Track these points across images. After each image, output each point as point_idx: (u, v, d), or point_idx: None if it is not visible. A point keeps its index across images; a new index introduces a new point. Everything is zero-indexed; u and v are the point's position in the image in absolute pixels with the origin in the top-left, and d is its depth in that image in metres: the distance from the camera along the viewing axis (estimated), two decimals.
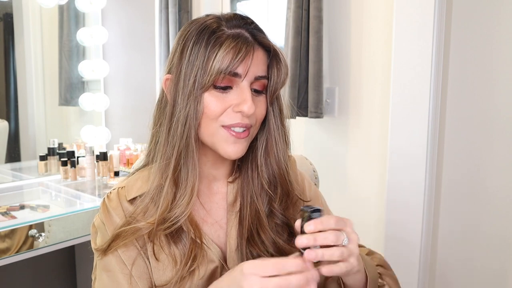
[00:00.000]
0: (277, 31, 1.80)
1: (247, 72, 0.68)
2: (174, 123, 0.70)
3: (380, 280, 0.74)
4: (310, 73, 1.55)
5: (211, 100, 0.68)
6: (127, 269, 0.72)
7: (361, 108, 1.56)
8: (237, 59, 0.66)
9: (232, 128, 0.70)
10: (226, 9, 2.00)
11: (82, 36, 2.12)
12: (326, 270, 0.60)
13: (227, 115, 0.69)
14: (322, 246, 0.60)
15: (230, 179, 0.80)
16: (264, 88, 0.73)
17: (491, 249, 1.36)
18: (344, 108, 1.61)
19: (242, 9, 2.05)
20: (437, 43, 1.34)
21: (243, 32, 0.70)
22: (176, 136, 0.70)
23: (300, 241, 0.60)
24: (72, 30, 2.10)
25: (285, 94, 1.58)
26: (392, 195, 1.46)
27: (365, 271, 0.69)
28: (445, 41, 1.36)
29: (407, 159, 1.41)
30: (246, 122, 0.69)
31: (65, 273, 2.08)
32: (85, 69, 2.14)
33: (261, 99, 0.72)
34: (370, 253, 0.82)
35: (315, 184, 1.04)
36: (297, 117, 1.61)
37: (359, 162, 1.59)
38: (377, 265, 0.77)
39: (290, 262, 0.58)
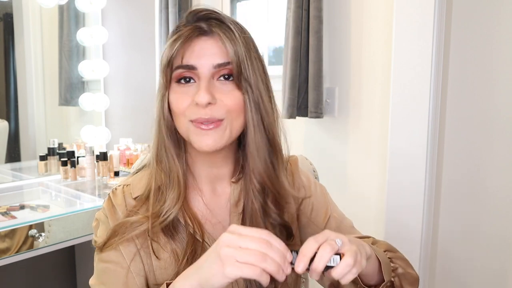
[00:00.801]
0: (277, 31, 1.80)
1: (195, 61, 0.68)
2: (156, 122, 0.73)
3: (392, 264, 0.74)
4: (310, 73, 1.55)
5: (175, 97, 0.70)
6: (126, 263, 0.72)
7: (361, 108, 1.56)
8: (174, 50, 0.68)
9: (199, 123, 0.69)
10: (226, 9, 2.01)
11: (82, 36, 2.12)
12: (345, 280, 0.59)
13: (191, 110, 0.69)
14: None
15: (234, 179, 0.79)
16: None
17: (491, 249, 1.36)
18: (344, 108, 1.61)
19: (242, 9, 2.05)
20: (437, 43, 1.34)
21: (198, 25, 0.69)
22: (156, 134, 0.74)
23: (313, 277, 0.58)
24: (72, 30, 2.10)
25: (284, 94, 1.58)
26: (392, 195, 1.46)
27: (377, 257, 0.69)
28: (445, 41, 1.36)
29: (407, 159, 1.41)
30: (208, 116, 0.67)
31: (65, 273, 2.08)
32: (85, 69, 2.14)
33: (231, 88, 0.69)
34: (375, 242, 0.82)
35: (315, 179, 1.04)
36: (297, 117, 1.61)
37: (359, 162, 1.59)
38: (384, 251, 0.76)
39: (275, 247, 0.57)
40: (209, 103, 0.67)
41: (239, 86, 0.70)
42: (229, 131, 0.70)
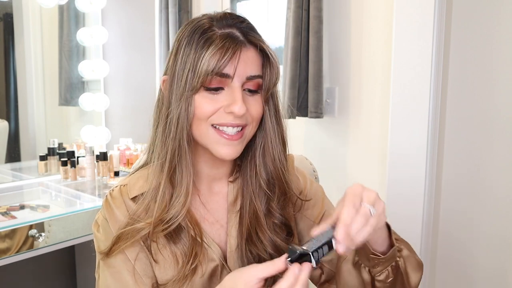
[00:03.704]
0: (277, 31, 1.80)
1: (235, 72, 0.67)
2: (168, 124, 0.70)
3: (397, 244, 0.72)
4: (310, 73, 1.55)
5: (202, 102, 0.68)
6: (131, 264, 0.72)
7: (361, 108, 1.56)
8: (223, 60, 0.66)
9: (223, 129, 0.69)
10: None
11: (82, 36, 2.12)
12: (360, 239, 0.59)
13: (218, 116, 0.69)
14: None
15: (231, 178, 0.80)
16: (259, 87, 0.72)
17: (491, 249, 1.36)
18: (344, 108, 1.61)
19: (242, 9, 2.05)
20: (437, 43, 1.34)
21: (233, 32, 0.69)
22: (170, 137, 0.70)
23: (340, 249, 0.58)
24: (72, 30, 2.10)
25: (284, 94, 1.58)
26: (392, 195, 1.46)
27: (387, 224, 0.68)
28: (445, 41, 1.36)
29: (407, 159, 1.41)
30: (238, 122, 0.69)
31: (65, 273, 2.08)
32: (85, 69, 2.14)
33: (257, 98, 0.72)
34: None
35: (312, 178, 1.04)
36: (297, 117, 1.61)
37: (359, 162, 1.59)
38: None
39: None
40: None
41: (264, 98, 0.73)
42: (246, 140, 0.73)
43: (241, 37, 0.69)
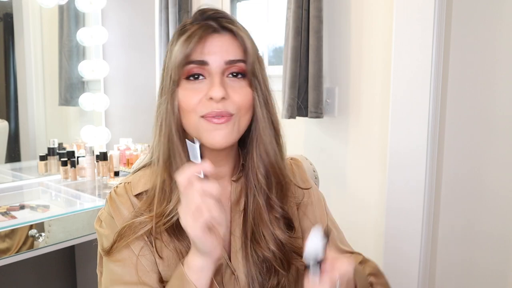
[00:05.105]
0: (277, 31, 1.80)
1: (205, 55, 0.69)
2: (159, 121, 0.73)
3: None
4: (310, 73, 1.55)
5: (185, 94, 0.70)
6: (135, 257, 0.72)
7: (361, 108, 1.56)
8: (189, 46, 0.68)
9: (211, 117, 0.70)
10: (226, 9, 2.00)
11: (82, 36, 2.12)
12: None
13: (202, 105, 0.70)
14: None
15: (234, 177, 0.80)
16: (245, 73, 0.73)
17: (491, 249, 1.36)
18: (344, 108, 1.61)
19: (242, 9, 2.05)
20: (437, 43, 1.34)
21: (207, 22, 0.71)
22: (162, 133, 0.73)
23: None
24: (72, 30, 2.10)
25: (284, 94, 1.58)
26: (392, 195, 1.46)
27: (355, 285, 0.68)
28: (445, 41, 1.36)
29: (407, 159, 1.41)
30: (220, 109, 0.69)
31: (65, 273, 2.08)
32: (85, 69, 2.14)
33: (242, 85, 0.72)
34: (364, 261, 0.82)
35: (315, 184, 1.05)
36: (297, 117, 1.61)
37: (359, 162, 1.59)
38: (368, 274, 0.77)
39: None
40: (223, 98, 0.68)
41: (250, 83, 0.72)
42: (237, 127, 0.72)
43: (215, 25, 0.71)
